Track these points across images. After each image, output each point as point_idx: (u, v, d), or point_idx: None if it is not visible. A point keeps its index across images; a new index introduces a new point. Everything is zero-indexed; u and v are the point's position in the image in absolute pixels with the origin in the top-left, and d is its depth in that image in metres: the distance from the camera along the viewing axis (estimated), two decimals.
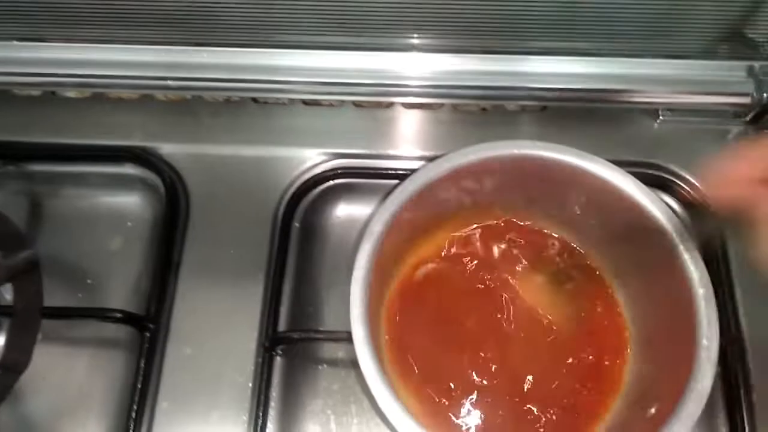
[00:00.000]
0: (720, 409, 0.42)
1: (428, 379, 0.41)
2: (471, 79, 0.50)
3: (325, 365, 0.45)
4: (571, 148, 0.41)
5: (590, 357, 0.41)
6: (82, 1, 0.46)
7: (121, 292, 0.48)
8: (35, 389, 0.45)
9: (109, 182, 0.51)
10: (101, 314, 0.44)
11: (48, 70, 0.50)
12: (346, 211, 0.50)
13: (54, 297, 0.47)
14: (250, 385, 0.43)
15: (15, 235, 0.43)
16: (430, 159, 0.44)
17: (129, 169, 0.51)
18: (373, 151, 0.50)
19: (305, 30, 0.49)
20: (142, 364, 0.43)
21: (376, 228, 0.38)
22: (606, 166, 0.40)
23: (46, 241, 0.49)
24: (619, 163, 0.41)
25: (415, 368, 0.42)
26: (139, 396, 0.42)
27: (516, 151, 0.41)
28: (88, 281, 0.48)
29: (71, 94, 0.53)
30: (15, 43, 0.49)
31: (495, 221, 0.46)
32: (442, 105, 0.52)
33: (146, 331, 0.44)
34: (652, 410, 0.36)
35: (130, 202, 0.51)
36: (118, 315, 0.43)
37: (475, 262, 0.45)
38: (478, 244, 0.45)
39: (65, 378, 0.45)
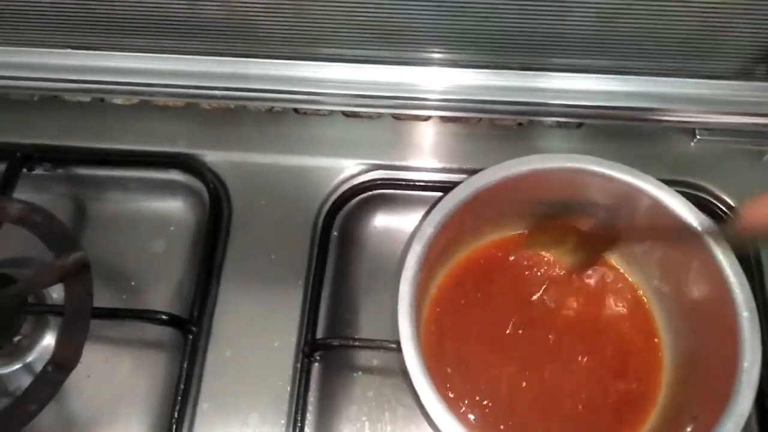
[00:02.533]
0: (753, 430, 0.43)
1: (462, 386, 0.42)
2: (508, 94, 0.51)
3: (360, 372, 0.46)
4: (623, 165, 0.42)
5: (625, 371, 0.42)
6: (133, 13, 0.48)
7: (163, 294, 0.49)
8: (80, 387, 0.46)
9: (153, 187, 0.53)
10: (148, 316, 0.45)
11: (99, 78, 0.51)
12: (383, 221, 0.51)
13: (99, 298, 0.47)
14: (289, 389, 0.44)
15: (66, 237, 0.45)
16: (468, 172, 0.45)
17: (173, 175, 0.52)
18: (411, 163, 0.52)
19: (345, 44, 0.50)
20: (185, 366, 0.44)
21: (428, 230, 0.39)
22: (657, 185, 0.41)
23: (91, 243, 0.51)
24: None
25: (450, 371, 0.43)
26: (181, 396, 0.44)
27: (565, 165, 0.41)
28: (132, 283, 0.50)
29: (119, 100, 0.54)
30: (69, 51, 0.51)
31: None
32: (479, 119, 0.53)
33: (189, 334, 0.45)
34: (689, 429, 0.37)
35: (174, 207, 0.52)
36: (164, 317, 0.45)
37: (517, 269, 0.46)
38: (521, 252, 0.46)
39: (109, 377, 0.47)
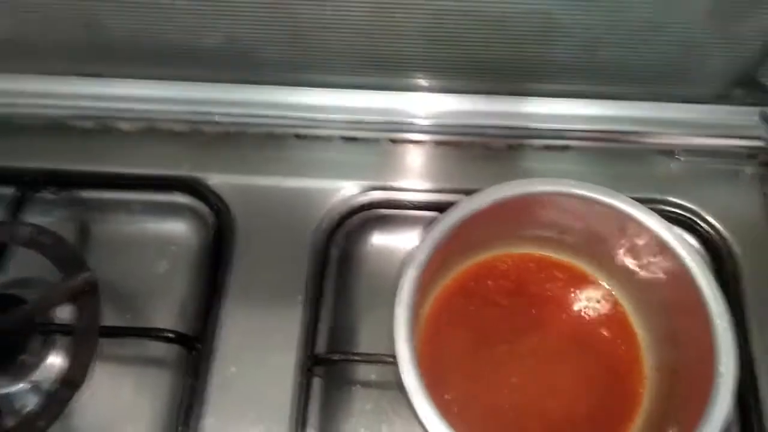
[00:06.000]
0: None
1: (458, 404, 0.44)
2: (497, 118, 0.53)
3: (358, 386, 0.48)
4: (607, 188, 0.43)
5: (609, 381, 0.44)
6: (138, 42, 0.50)
7: (166, 313, 0.50)
8: (85, 405, 0.47)
9: (156, 209, 0.54)
10: (155, 334, 0.47)
11: (104, 104, 0.53)
12: (380, 239, 0.53)
13: (103, 317, 0.49)
14: (290, 403, 0.45)
15: (75, 258, 0.46)
16: (461, 192, 0.47)
17: (177, 198, 0.54)
18: (407, 185, 0.53)
19: (342, 72, 0.52)
20: (190, 382, 0.46)
21: (420, 256, 0.40)
22: (634, 205, 0.43)
23: (95, 263, 0.51)
24: (638, 200, 0.44)
25: (445, 391, 0.44)
26: (185, 412, 0.45)
27: (553, 188, 0.43)
28: (135, 302, 0.51)
29: (123, 126, 0.56)
30: (74, 77, 0.53)
31: (529, 252, 0.49)
32: (471, 142, 0.55)
33: (194, 351, 0.47)
34: None
35: (176, 228, 0.54)
36: (170, 335, 0.46)
37: (507, 289, 0.47)
38: (512, 273, 0.48)
39: (114, 394, 0.47)
